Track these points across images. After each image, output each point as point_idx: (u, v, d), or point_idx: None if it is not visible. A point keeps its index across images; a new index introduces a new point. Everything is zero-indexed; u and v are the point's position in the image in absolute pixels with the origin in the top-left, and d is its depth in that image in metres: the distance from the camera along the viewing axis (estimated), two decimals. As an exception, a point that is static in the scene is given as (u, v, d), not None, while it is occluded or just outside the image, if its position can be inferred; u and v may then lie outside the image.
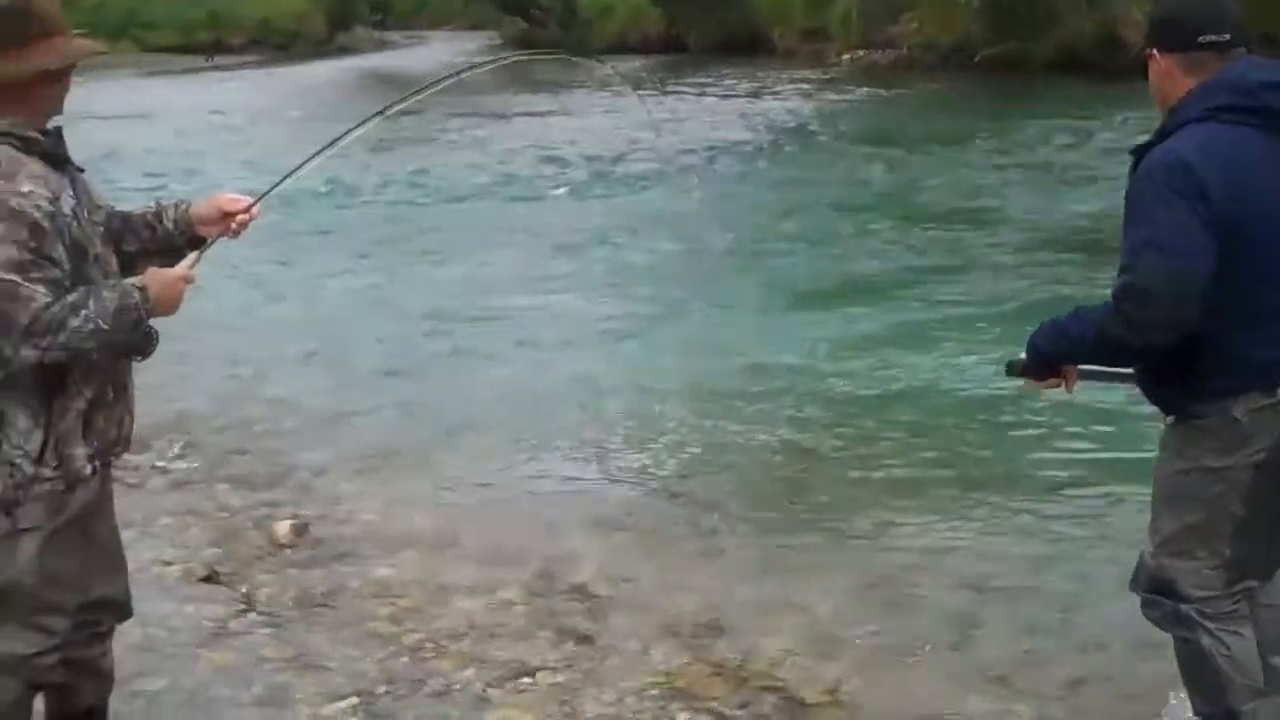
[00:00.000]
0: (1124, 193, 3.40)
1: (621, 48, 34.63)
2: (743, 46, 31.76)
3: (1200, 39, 3.38)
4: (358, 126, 3.74)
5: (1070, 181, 14.38)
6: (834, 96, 24.20)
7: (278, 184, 3.62)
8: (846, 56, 28.87)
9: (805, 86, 25.68)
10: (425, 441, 6.91)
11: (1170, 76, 3.43)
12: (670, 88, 26.83)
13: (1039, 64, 23.96)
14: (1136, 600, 3.62)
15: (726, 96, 24.94)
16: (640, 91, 25.88)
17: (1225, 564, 3.47)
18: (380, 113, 3.79)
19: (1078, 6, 23.35)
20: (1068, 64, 23.48)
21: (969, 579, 5.09)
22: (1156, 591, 3.57)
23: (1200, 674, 3.56)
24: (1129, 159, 3.46)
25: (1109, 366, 3.56)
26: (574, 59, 12.71)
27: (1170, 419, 3.55)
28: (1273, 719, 3.53)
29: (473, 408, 7.46)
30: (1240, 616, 3.53)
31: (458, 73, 4.01)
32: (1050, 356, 3.56)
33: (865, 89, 24.85)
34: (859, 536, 5.58)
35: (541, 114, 23.62)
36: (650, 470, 6.49)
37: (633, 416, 7.28)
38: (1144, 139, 3.46)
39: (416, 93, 3.93)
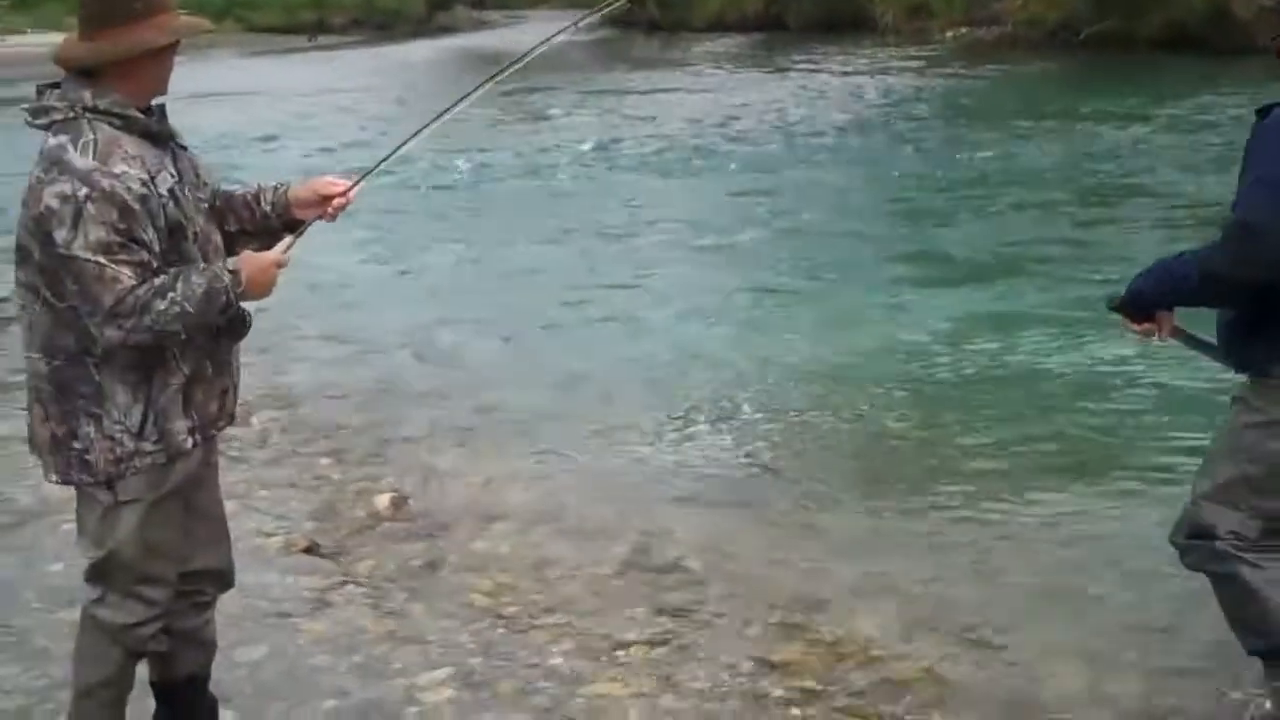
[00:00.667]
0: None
1: (720, 26, 34.65)
2: (844, 24, 31.59)
3: None
4: (455, 105, 3.73)
5: (1187, 159, 14.14)
6: (941, 74, 24.02)
7: (375, 167, 3.63)
8: (950, 34, 28.61)
9: (910, 64, 25.52)
10: (525, 416, 6.95)
11: None
12: (772, 66, 26.78)
13: (1145, 41, 23.60)
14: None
15: (830, 74, 24.84)
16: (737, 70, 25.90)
17: (1265, 517, 3.59)
18: (471, 93, 3.78)
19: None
20: (1176, 41, 23.11)
21: (1067, 561, 5.03)
22: (1195, 536, 3.68)
23: (1244, 607, 3.65)
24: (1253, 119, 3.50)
25: (1208, 304, 3.60)
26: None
27: (1247, 376, 3.64)
28: None
29: (577, 382, 7.50)
30: (1275, 551, 3.61)
31: (546, 40, 3.97)
32: (1151, 296, 3.67)
33: (971, 67, 24.62)
34: (959, 517, 5.53)
35: (644, 91, 23.66)
36: (753, 447, 6.48)
37: (741, 392, 7.29)
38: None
39: (509, 66, 3.91)
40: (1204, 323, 3.72)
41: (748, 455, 6.41)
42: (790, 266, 10.16)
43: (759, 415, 6.89)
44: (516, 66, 3.90)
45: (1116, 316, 3.79)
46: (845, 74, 24.77)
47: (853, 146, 16.48)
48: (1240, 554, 3.60)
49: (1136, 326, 3.74)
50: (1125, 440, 6.37)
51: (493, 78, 3.81)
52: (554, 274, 10.04)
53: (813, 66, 26.18)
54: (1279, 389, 3.56)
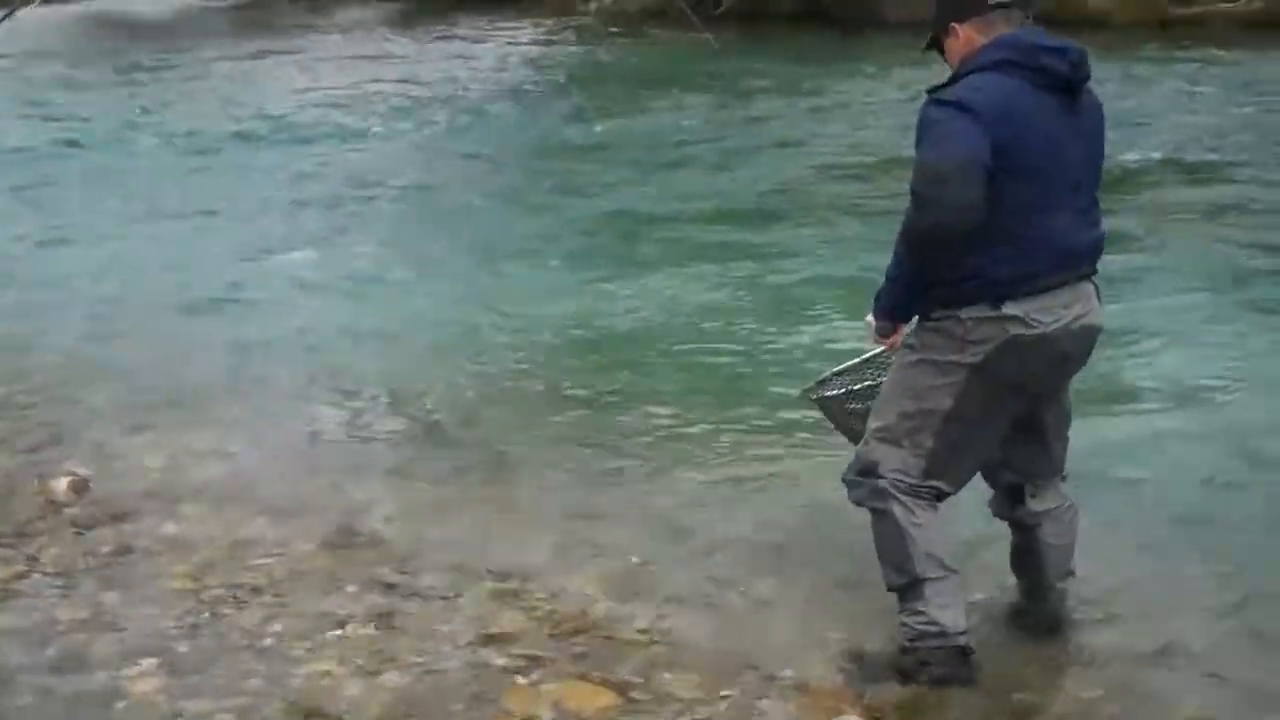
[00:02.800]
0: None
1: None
2: (484, -7, 31.46)
3: (990, 2, 3.88)
4: None
5: (818, 120, 14.64)
6: (583, 44, 24.19)
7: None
8: (594, 5, 28.85)
9: (552, 34, 25.60)
10: (202, 393, 6.68)
11: (969, 42, 3.90)
12: (414, 34, 26.48)
13: (783, 16, 24.37)
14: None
15: (473, 43, 24.67)
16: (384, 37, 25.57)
17: (925, 455, 3.91)
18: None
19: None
20: (810, 15, 23.95)
21: (772, 520, 5.17)
22: (863, 474, 4.01)
23: (891, 544, 3.95)
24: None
25: (918, 268, 3.85)
26: None
27: (915, 325, 4.00)
28: (951, 598, 3.93)
29: (247, 358, 7.25)
30: (931, 503, 3.96)
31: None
32: (886, 306, 4.02)
33: (614, 38, 24.90)
34: (656, 482, 5.62)
35: (282, 58, 23.00)
36: (441, 417, 6.40)
37: (417, 364, 7.17)
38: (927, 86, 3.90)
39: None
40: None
41: (436, 424, 6.35)
42: (442, 242, 9.91)
43: (443, 385, 6.80)
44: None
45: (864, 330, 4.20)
46: (482, 43, 24.64)
47: (497, 115, 16.38)
48: (897, 494, 3.92)
49: (885, 341, 4.11)
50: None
51: None
52: (218, 249, 9.59)
53: (456, 34, 25.95)
54: (933, 330, 3.90)
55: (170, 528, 5.17)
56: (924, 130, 3.77)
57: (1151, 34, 21.24)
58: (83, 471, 5.63)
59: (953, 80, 3.85)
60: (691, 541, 4.97)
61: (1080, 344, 3.93)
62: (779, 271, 8.68)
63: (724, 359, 7.10)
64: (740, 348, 7.24)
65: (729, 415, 6.26)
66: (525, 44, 24.43)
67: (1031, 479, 4.12)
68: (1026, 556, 4.20)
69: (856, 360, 4.72)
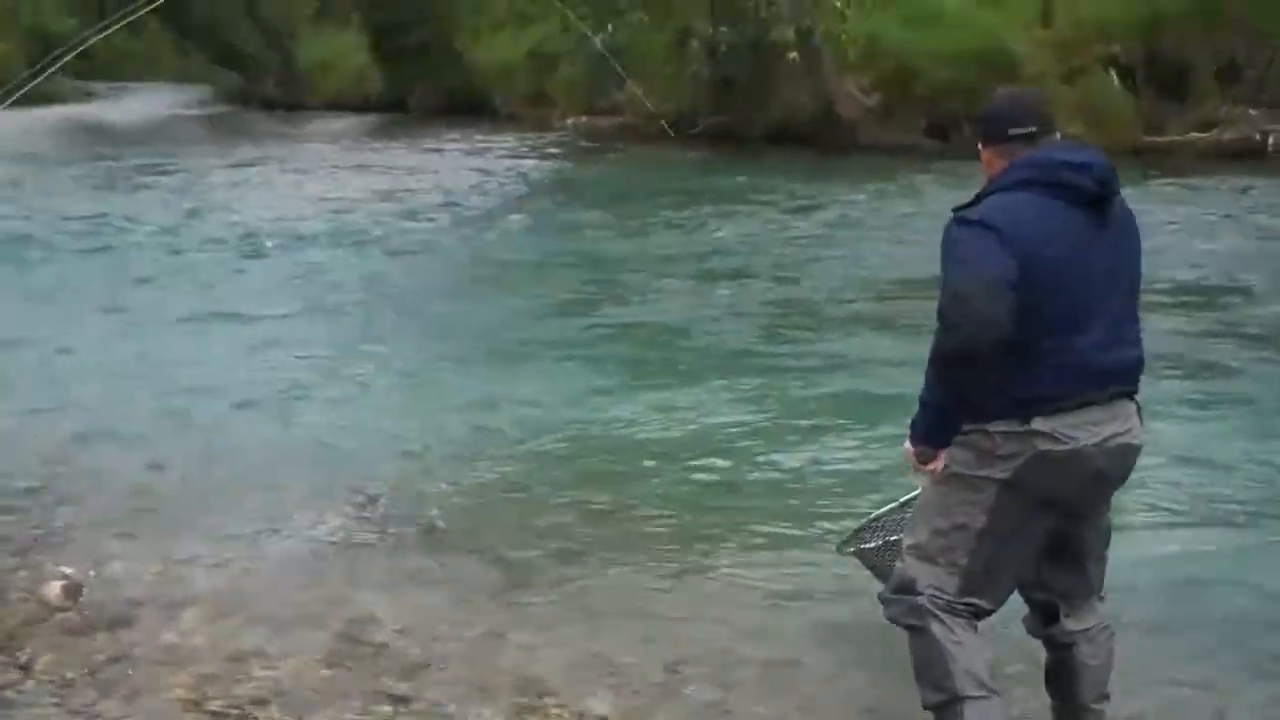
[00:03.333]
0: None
1: (340, 106, 34.30)
2: (465, 109, 31.79)
3: (1010, 131, 3.87)
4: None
5: (786, 245, 14.73)
6: (559, 160, 24.41)
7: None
8: (570, 121, 29.15)
9: (529, 150, 25.80)
10: (196, 497, 6.56)
11: (991, 164, 3.90)
12: (393, 147, 26.62)
13: (758, 137, 24.61)
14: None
15: (450, 157, 24.86)
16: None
17: (960, 572, 3.83)
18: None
19: (796, 82, 24.05)
20: (786, 137, 24.20)
21: (780, 634, 5.06)
22: (900, 590, 3.92)
23: (929, 661, 3.82)
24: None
25: (950, 397, 3.76)
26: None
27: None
28: (996, 717, 3.79)
29: (244, 463, 7.13)
30: (970, 621, 3.85)
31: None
32: (923, 434, 3.89)
33: (589, 154, 25.13)
34: (658, 586, 5.52)
35: (257, 167, 23.09)
36: (439, 526, 6.27)
37: (417, 472, 7.04)
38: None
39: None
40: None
41: (440, 531, 6.21)
42: (449, 346, 9.96)
43: (447, 491, 6.69)
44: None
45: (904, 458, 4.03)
46: (463, 155, 24.87)
47: (469, 229, 16.39)
48: (936, 611, 3.82)
49: (926, 468, 3.93)
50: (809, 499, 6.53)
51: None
52: (201, 358, 9.49)
53: (432, 148, 26.16)
54: (962, 444, 3.82)
55: (169, 636, 5.01)
56: (948, 250, 3.75)
57: (1124, 161, 21.56)
58: (75, 575, 5.47)
59: (977, 200, 3.84)
60: (704, 659, 4.83)
61: (1116, 463, 3.83)
62: (791, 385, 8.66)
63: (731, 472, 7.00)
64: (750, 462, 7.15)
65: (742, 529, 6.16)
66: (511, 157, 24.66)
67: (1067, 599, 4.00)
68: (1061, 677, 4.05)
69: (894, 504, 4.69)
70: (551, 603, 5.38)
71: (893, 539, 4.55)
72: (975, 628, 3.87)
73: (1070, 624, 3.99)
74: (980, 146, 3.94)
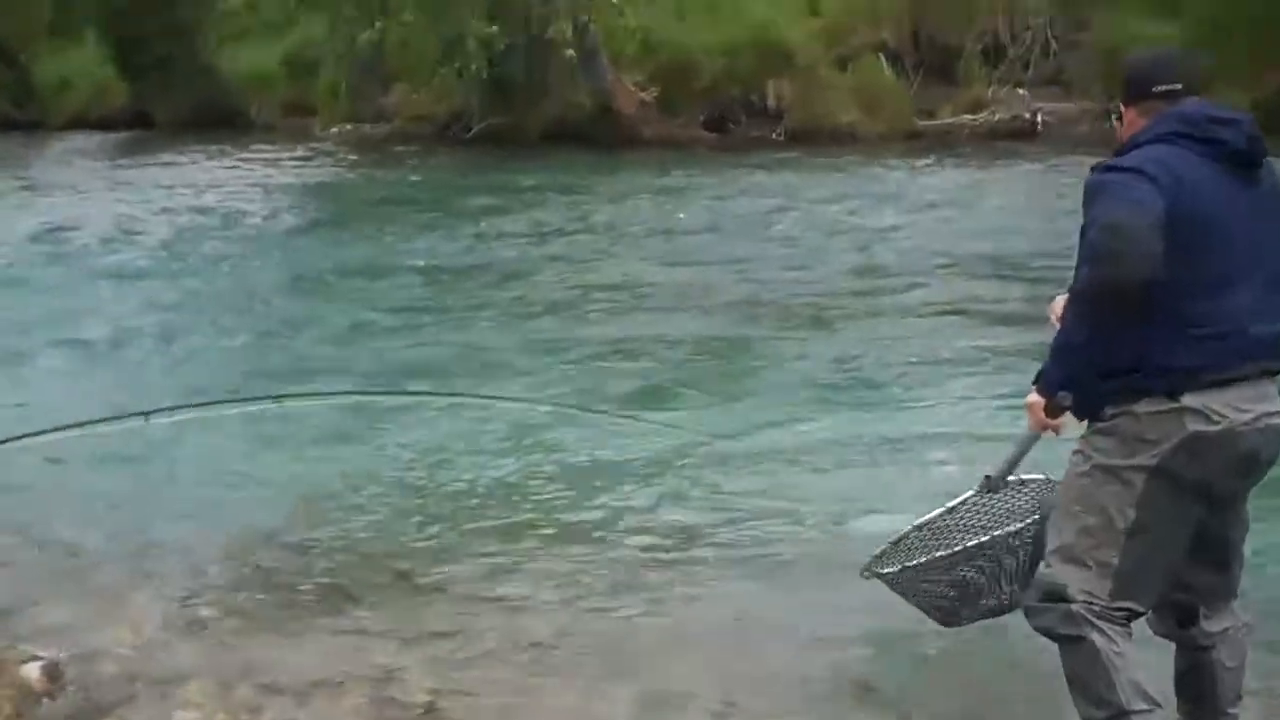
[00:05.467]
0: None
1: (83, 124, 32.63)
2: (217, 121, 30.55)
3: (1154, 89, 3.72)
4: None
5: (564, 241, 14.63)
6: (314, 168, 23.56)
7: None
8: (334, 130, 28.27)
9: (287, 160, 24.85)
10: (125, 556, 5.98)
11: (1134, 124, 3.74)
12: (138, 164, 25.33)
13: (537, 135, 24.29)
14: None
15: (198, 170, 23.71)
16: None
17: (1113, 574, 3.59)
18: None
19: (573, 82, 23.84)
20: (564, 135, 23.94)
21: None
22: (1048, 598, 3.66)
23: (1091, 674, 3.59)
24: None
25: (1095, 330, 3.52)
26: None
27: (1085, 427, 3.69)
28: None
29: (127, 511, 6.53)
30: (1126, 628, 3.63)
31: None
32: (1058, 381, 3.62)
33: (355, 163, 24.31)
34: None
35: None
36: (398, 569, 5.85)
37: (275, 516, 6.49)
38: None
39: None
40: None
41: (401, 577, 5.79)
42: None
43: (343, 533, 6.25)
44: None
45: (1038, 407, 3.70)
46: (214, 172, 23.70)
47: (271, 243, 15.68)
48: (1094, 619, 3.59)
49: (1055, 421, 3.69)
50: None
51: None
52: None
53: (178, 163, 24.89)
54: (1105, 432, 3.62)
55: (180, 716, 4.50)
56: (1098, 192, 3.54)
57: (901, 145, 21.99)
58: (48, 655, 4.89)
59: (1117, 154, 3.67)
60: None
61: (1269, 444, 3.62)
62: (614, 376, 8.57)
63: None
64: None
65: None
66: (266, 168, 23.70)
67: (1208, 599, 3.79)
68: (1197, 681, 3.83)
69: (912, 526, 4.48)
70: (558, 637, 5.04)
71: (911, 563, 4.38)
72: (1131, 634, 3.66)
73: (1210, 625, 3.79)
74: (1122, 106, 3.80)
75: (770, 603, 5.34)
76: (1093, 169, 3.64)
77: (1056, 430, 3.72)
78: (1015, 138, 21.86)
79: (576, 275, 12.64)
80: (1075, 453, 3.72)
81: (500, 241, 14.91)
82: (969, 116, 22.57)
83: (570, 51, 23.08)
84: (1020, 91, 22.57)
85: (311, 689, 4.66)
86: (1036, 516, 4.17)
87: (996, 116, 22.39)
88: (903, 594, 4.53)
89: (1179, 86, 3.70)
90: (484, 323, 10.87)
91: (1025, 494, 4.33)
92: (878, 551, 4.56)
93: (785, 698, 4.54)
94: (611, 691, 4.61)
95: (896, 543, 4.53)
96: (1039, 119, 22.18)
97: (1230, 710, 3.84)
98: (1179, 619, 3.84)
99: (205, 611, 5.37)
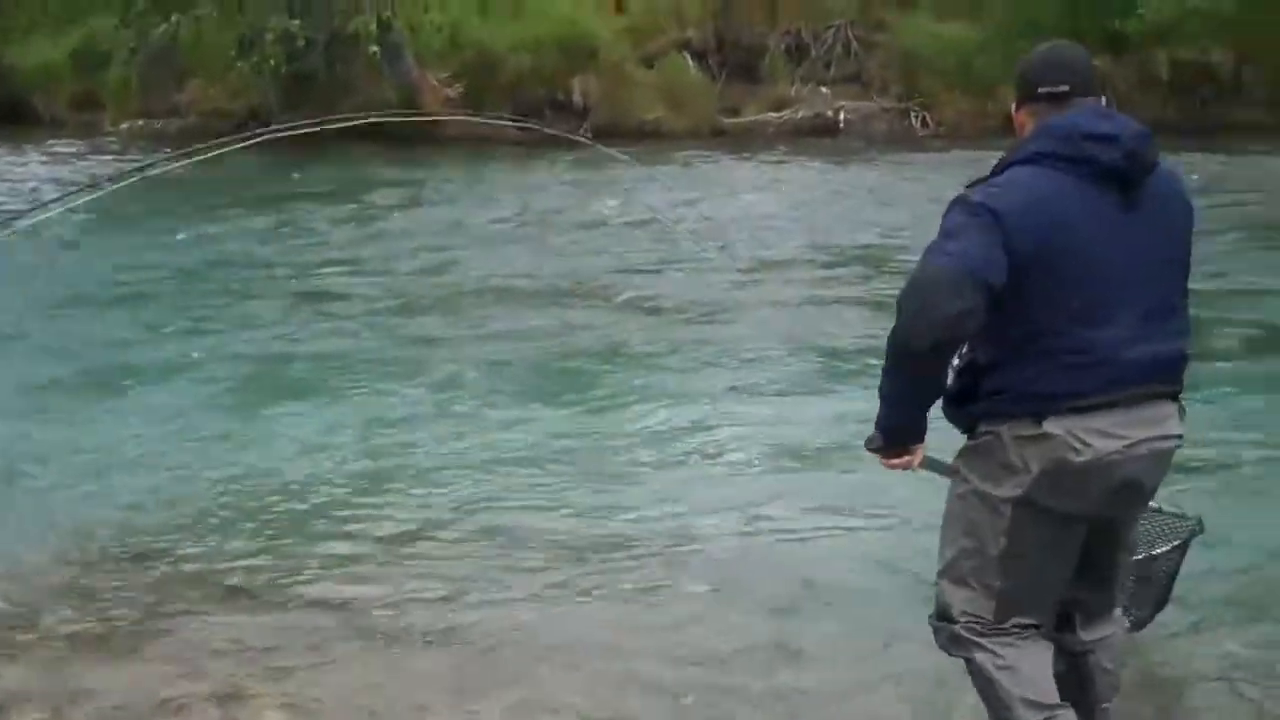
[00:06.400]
0: None
1: None
2: (1, 116, 29.33)
3: (1039, 90, 3.55)
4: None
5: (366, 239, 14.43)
6: (102, 164, 22.67)
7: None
8: (125, 125, 27.36)
9: (71, 156, 23.90)
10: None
11: (1023, 127, 3.59)
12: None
13: (335, 132, 23.80)
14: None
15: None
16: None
17: (996, 594, 3.54)
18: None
19: (376, 78, 23.47)
20: (369, 131, 23.50)
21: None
22: (940, 617, 3.66)
23: (985, 691, 3.59)
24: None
25: (906, 384, 3.50)
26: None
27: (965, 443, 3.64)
28: None
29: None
30: (1018, 638, 3.56)
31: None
32: (883, 430, 3.61)
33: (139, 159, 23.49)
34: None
35: None
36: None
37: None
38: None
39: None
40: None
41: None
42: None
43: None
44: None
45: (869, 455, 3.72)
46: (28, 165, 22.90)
47: (70, 246, 14.99)
48: (977, 638, 3.55)
49: (895, 461, 3.64)
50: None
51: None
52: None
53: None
54: (975, 452, 3.56)
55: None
56: (941, 225, 3.42)
57: (707, 143, 22.13)
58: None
59: (996, 169, 3.52)
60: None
61: (1148, 470, 3.51)
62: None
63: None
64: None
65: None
66: (52, 165, 22.83)
67: (1084, 611, 3.74)
68: (1074, 682, 3.77)
69: None
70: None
71: None
72: (1024, 643, 3.57)
73: (1086, 634, 3.75)
74: (1014, 108, 3.63)
75: (633, 609, 5.25)
76: (956, 197, 3.48)
77: (904, 467, 3.66)
78: (818, 135, 22.16)
79: (372, 270, 12.49)
80: (954, 470, 3.65)
81: (289, 239, 14.64)
82: (773, 114, 22.80)
83: (374, 48, 22.70)
84: (823, 90, 22.86)
85: (153, 712, 4.42)
86: None
87: (800, 114, 22.65)
88: None
89: (1065, 89, 3.52)
90: (275, 323, 10.55)
91: None
92: None
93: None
94: (472, 700, 4.48)
95: None
96: (841, 117, 22.51)
97: (1104, 704, 3.82)
98: (1056, 624, 3.75)
99: (23, 636, 5.06)
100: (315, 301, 11.38)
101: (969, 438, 3.58)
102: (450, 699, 4.50)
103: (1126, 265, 3.43)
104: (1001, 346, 3.44)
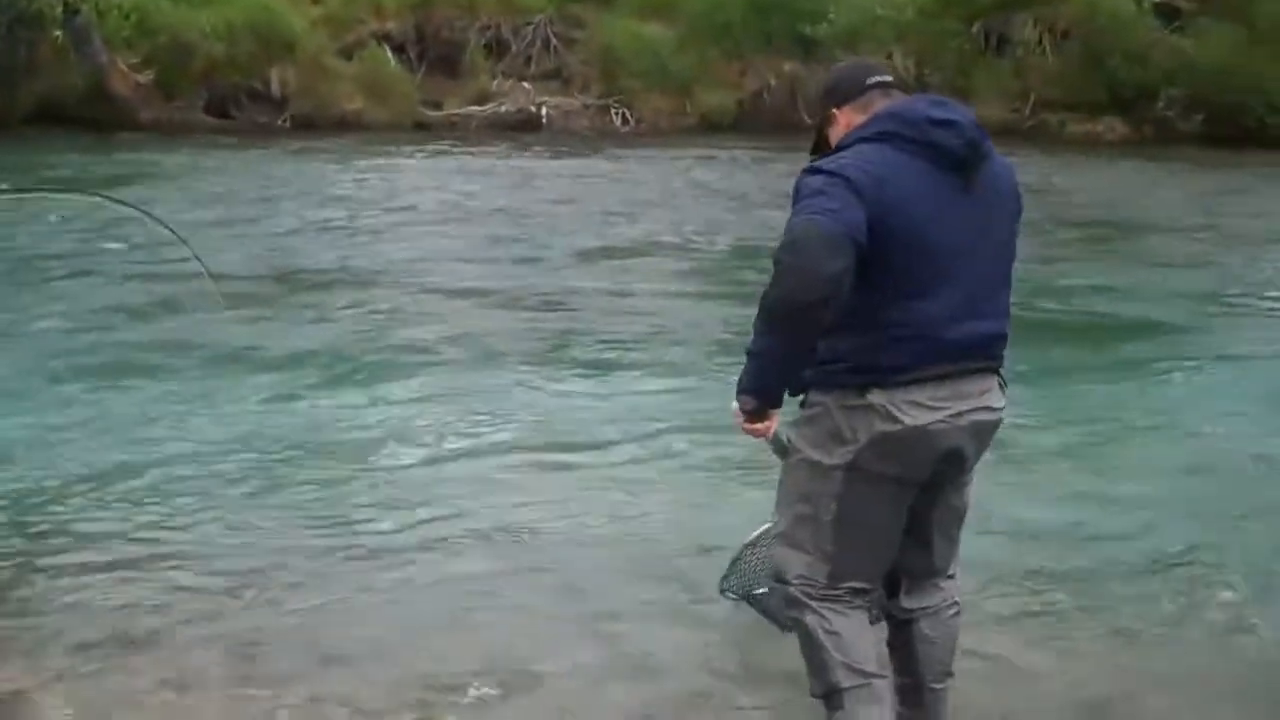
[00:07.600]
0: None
1: None
2: None
3: (869, 80, 3.74)
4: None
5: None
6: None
7: None
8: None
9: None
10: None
11: (850, 124, 3.69)
12: None
13: (22, 118, 22.86)
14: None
15: None
16: None
17: (829, 558, 3.69)
18: None
19: (63, 62, 22.60)
20: (55, 117, 22.67)
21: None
22: (777, 580, 3.80)
23: (809, 653, 3.74)
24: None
25: (780, 343, 3.56)
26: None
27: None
28: (873, 705, 3.69)
29: None
30: (850, 605, 3.72)
31: None
32: (749, 390, 3.68)
33: None
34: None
35: None
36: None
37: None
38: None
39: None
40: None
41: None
42: None
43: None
44: None
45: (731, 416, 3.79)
46: None
47: None
48: (808, 601, 3.70)
49: (756, 426, 3.72)
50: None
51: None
52: None
53: None
54: (808, 421, 3.68)
55: None
56: (796, 197, 3.51)
57: (407, 135, 22.12)
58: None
59: (833, 154, 3.62)
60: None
61: (969, 439, 3.66)
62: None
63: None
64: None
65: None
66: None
67: (909, 576, 3.87)
68: (899, 652, 3.89)
69: (755, 534, 4.58)
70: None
71: (757, 592, 4.56)
72: (853, 611, 3.73)
73: (908, 601, 3.88)
74: (835, 114, 3.73)
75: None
76: (804, 170, 3.57)
77: (759, 433, 3.75)
78: (521, 129, 22.43)
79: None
80: (787, 438, 3.77)
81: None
82: (476, 108, 22.97)
83: (58, 32, 21.87)
84: (524, 85, 23.15)
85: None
86: None
87: (503, 109, 22.89)
88: (762, 612, 4.60)
89: (890, 79, 3.73)
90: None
91: None
92: (723, 574, 4.70)
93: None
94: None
95: (734, 563, 4.67)
96: (543, 112, 22.84)
97: (935, 685, 3.91)
98: (885, 591, 3.88)
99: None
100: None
101: (801, 407, 3.72)
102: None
103: (957, 246, 3.57)
104: (826, 324, 3.52)
